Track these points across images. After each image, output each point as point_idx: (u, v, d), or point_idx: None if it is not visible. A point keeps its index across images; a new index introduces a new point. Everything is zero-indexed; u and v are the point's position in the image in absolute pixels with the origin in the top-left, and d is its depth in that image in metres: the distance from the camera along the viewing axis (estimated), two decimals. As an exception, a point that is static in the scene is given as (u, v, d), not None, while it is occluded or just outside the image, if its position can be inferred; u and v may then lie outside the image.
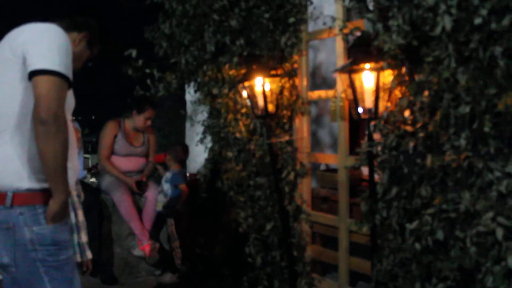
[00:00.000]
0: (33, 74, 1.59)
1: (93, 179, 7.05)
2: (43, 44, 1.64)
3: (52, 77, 1.59)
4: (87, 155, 6.07)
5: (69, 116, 1.77)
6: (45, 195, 1.66)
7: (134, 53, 3.82)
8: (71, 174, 1.75)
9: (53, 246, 1.68)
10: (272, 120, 3.45)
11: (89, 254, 2.53)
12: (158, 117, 9.89)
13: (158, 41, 3.93)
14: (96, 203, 3.85)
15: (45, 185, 1.66)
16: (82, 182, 3.90)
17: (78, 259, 2.46)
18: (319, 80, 3.97)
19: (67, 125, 1.63)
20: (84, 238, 2.51)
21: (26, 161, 1.64)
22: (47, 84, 1.58)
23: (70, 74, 1.67)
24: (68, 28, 1.88)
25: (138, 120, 4.09)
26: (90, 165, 6.66)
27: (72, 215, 2.45)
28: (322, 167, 4.09)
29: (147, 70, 3.97)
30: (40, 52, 1.62)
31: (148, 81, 4.05)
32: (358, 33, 2.60)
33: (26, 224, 1.64)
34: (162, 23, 3.86)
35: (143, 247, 3.88)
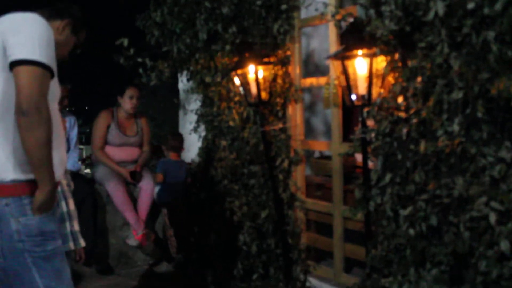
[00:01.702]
0: (14, 65, 1.58)
1: (87, 170, 7.02)
2: (23, 33, 1.62)
3: (33, 67, 1.58)
4: (81, 146, 6.06)
5: (54, 105, 1.75)
6: (31, 186, 1.66)
7: (125, 41, 3.80)
8: (58, 164, 1.74)
9: (40, 237, 1.67)
10: (266, 108, 3.44)
11: (82, 242, 2.52)
12: (151, 107, 9.86)
13: (150, 30, 3.90)
14: (90, 193, 3.83)
15: (30, 176, 1.65)
16: (75, 173, 3.91)
17: (72, 247, 2.45)
18: (312, 67, 3.95)
19: (51, 115, 1.61)
20: (76, 226, 2.51)
21: (11, 152, 1.63)
22: (28, 74, 1.57)
23: (52, 63, 1.65)
24: (50, 16, 1.87)
25: (124, 102, 4.04)
26: (84, 156, 6.62)
27: (63, 204, 2.44)
28: (316, 155, 4.09)
29: (139, 59, 3.95)
30: (20, 42, 1.60)
31: (140, 70, 4.03)
32: (351, 19, 2.58)
33: (12, 215, 1.64)
34: (153, 11, 3.82)
35: (138, 236, 3.88)
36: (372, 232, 2.68)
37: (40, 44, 1.61)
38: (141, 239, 3.87)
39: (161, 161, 4.17)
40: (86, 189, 3.80)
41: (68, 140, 4.02)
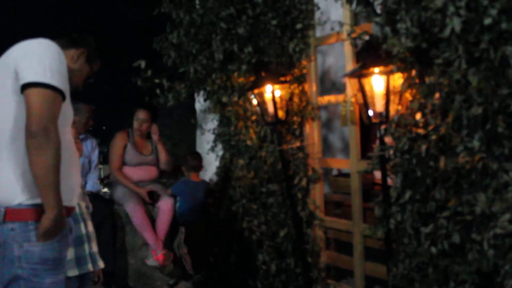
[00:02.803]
0: (25, 87, 1.58)
1: (105, 189, 7.08)
2: (35, 57, 1.63)
3: (44, 90, 1.58)
4: (99, 166, 6.15)
5: (67, 129, 1.75)
6: (38, 211, 1.61)
7: (143, 63, 3.85)
8: (69, 188, 1.71)
9: (41, 265, 1.62)
10: (283, 127, 3.45)
11: (100, 264, 2.53)
12: (168, 126, 9.95)
13: (166, 51, 3.95)
14: (109, 214, 3.85)
15: (38, 201, 1.61)
16: (95, 194, 3.95)
17: (91, 268, 2.46)
18: (328, 85, 3.96)
19: (60, 139, 1.59)
20: (94, 248, 2.51)
21: (20, 175, 1.61)
22: (38, 96, 1.57)
23: (63, 87, 1.65)
24: (65, 45, 1.89)
25: (134, 124, 4.10)
26: (102, 175, 6.68)
27: (81, 226, 2.46)
28: (335, 172, 4.07)
29: (156, 80, 3.99)
30: (31, 65, 1.61)
31: (158, 91, 4.07)
32: (366, 37, 2.59)
33: (16, 240, 1.60)
34: (170, 33, 3.87)
35: (157, 257, 3.88)
36: (393, 250, 2.65)
37: (51, 67, 1.62)
38: (160, 260, 3.87)
39: (181, 181, 4.20)
40: (105, 209, 3.82)
41: (89, 162, 4.07)
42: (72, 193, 1.77)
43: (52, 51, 1.67)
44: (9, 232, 1.60)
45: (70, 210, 1.80)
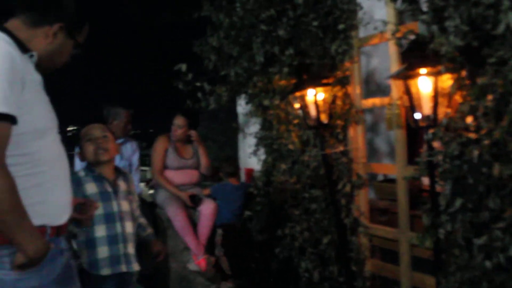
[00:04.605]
0: None
1: (151, 191, 7.18)
2: None
3: None
4: (145, 168, 6.20)
5: (45, 140, 1.55)
6: None
7: (183, 67, 3.84)
8: (55, 206, 1.58)
9: None
10: (326, 131, 3.35)
11: (135, 266, 2.51)
12: (213, 130, 10.01)
13: (207, 54, 3.92)
14: (151, 217, 3.87)
15: None
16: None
17: (124, 269, 2.44)
18: (373, 87, 3.82)
19: (7, 173, 1.38)
20: (130, 249, 2.49)
21: None
22: None
23: (12, 108, 1.38)
24: (35, 23, 1.57)
25: (172, 129, 4.09)
26: (147, 177, 6.79)
27: (117, 225, 2.45)
28: (380, 177, 3.93)
29: (197, 84, 3.98)
30: None
31: (199, 94, 4.06)
32: (412, 37, 2.46)
33: None
34: (210, 36, 3.85)
35: (199, 261, 3.86)
36: (443, 261, 2.50)
37: None
38: (201, 264, 3.85)
39: (220, 184, 4.19)
40: (147, 213, 3.83)
41: (129, 165, 4.11)
42: (59, 210, 1.62)
43: (2, 61, 1.39)
44: None
45: (60, 228, 1.62)
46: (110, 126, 4.00)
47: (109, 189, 2.48)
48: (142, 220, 2.74)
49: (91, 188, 2.43)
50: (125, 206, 2.53)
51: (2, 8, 1.68)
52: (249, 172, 4.58)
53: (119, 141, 4.06)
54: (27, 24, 1.56)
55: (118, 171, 2.59)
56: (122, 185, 2.55)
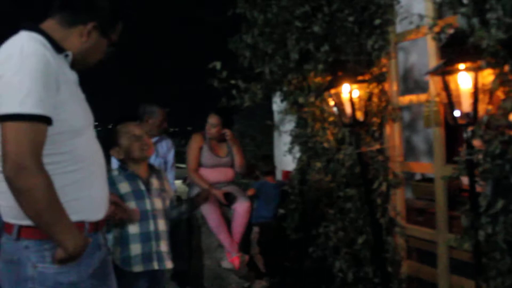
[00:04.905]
0: (2, 119, 1.40)
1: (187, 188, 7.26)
2: (12, 79, 1.40)
3: (20, 124, 1.38)
4: (183, 165, 6.27)
5: (81, 138, 1.58)
6: None
7: (218, 65, 3.84)
8: (92, 202, 1.61)
9: None
10: (361, 128, 3.27)
11: (168, 264, 2.51)
12: (250, 127, 10.02)
13: (242, 52, 3.91)
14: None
15: None
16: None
17: (155, 266, 2.45)
18: (411, 83, 3.72)
19: (43, 171, 1.41)
20: (163, 247, 2.50)
21: None
22: (13, 133, 1.38)
23: (48, 109, 1.42)
24: (70, 22, 1.60)
25: (206, 128, 4.09)
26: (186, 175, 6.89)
27: (150, 223, 2.46)
28: (418, 176, 3.82)
29: (232, 81, 3.97)
30: (7, 90, 1.40)
31: (234, 92, 4.05)
32: (451, 31, 2.36)
33: (30, 259, 1.49)
34: (245, 33, 3.83)
35: (232, 259, 3.86)
36: (483, 265, 2.40)
37: (30, 89, 1.40)
38: (235, 262, 3.85)
39: (259, 182, 4.19)
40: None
41: (165, 163, 4.15)
42: (96, 205, 1.65)
43: (36, 63, 1.42)
44: (23, 250, 1.50)
45: (97, 224, 1.67)
46: (146, 124, 4.05)
47: (142, 187, 2.49)
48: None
49: (124, 187, 2.45)
50: (158, 204, 2.54)
51: (40, 9, 1.73)
52: (286, 174, 4.56)
53: (154, 139, 4.10)
54: (62, 24, 1.59)
55: (151, 169, 2.61)
56: (155, 182, 2.56)
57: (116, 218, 2.24)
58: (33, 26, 1.56)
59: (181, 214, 2.71)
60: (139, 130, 2.54)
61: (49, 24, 1.60)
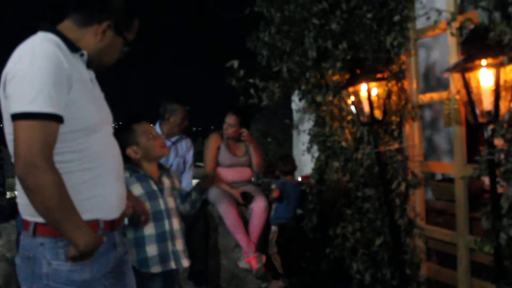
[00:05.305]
0: (13, 118, 1.41)
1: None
2: (24, 78, 1.42)
3: (31, 122, 1.39)
4: (201, 163, 6.27)
5: (97, 135, 1.59)
6: None
7: (236, 63, 3.81)
8: (106, 200, 1.61)
9: (68, 287, 1.51)
10: (380, 127, 3.22)
11: (184, 262, 2.49)
12: (272, 126, 9.99)
13: (259, 50, 3.87)
14: (202, 214, 3.88)
15: None
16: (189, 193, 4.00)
17: (173, 266, 2.44)
18: (432, 81, 3.63)
19: (55, 170, 1.41)
20: (179, 246, 2.48)
21: None
22: (25, 131, 1.39)
23: (59, 108, 1.44)
24: (84, 21, 1.60)
25: (224, 128, 4.07)
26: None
27: (166, 222, 2.45)
28: (438, 177, 3.73)
29: (250, 80, 3.94)
30: (19, 89, 1.42)
31: (252, 91, 4.02)
32: (471, 26, 2.29)
33: (45, 256, 1.51)
34: (262, 31, 3.79)
35: (249, 259, 3.82)
36: (505, 268, 2.32)
37: (42, 88, 1.41)
38: (252, 262, 3.81)
39: (280, 181, 4.14)
40: (198, 210, 3.84)
41: (183, 163, 4.14)
42: (111, 204, 1.64)
43: (47, 62, 1.43)
44: (38, 247, 1.52)
45: (113, 223, 1.66)
46: (167, 123, 4.04)
47: (155, 187, 2.47)
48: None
49: (137, 189, 2.43)
50: (171, 202, 2.52)
51: (58, 10, 1.73)
52: (305, 179, 4.49)
53: (174, 138, 4.09)
54: (77, 24, 1.60)
55: (161, 168, 2.59)
56: (166, 181, 2.54)
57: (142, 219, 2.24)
58: (49, 27, 1.58)
59: (194, 203, 2.66)
60: (155, 129, 2.54)
61: (66, 25, 1.62)
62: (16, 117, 1.40)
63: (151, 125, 2.58)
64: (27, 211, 1.54)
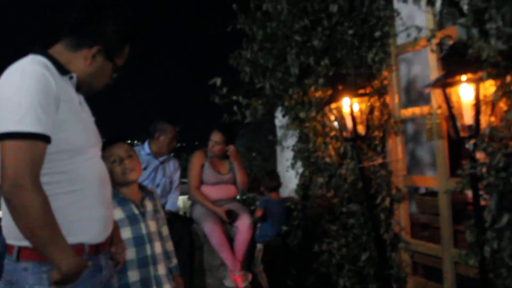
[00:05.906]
0: (0, 137, 1.39)
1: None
2: (11, 96, 1.41)
3: (17, 142, 1.38)
4: (185, 180, 6.18)
5: (84, 156, 1.57)
6: None
7: (218, 81, 3.81)
8: (94, 223, 1.59)
9: None
10: (363, 142, 3.23)
11: (166, 287, 2.45)
12: (258, 142, 9.98)
13: (242, 67, 3.88)
14: (187, 233, 3.84)
15: None
16: (174, 214, 3.96)
17: None
18: (413, 96, 3.67)
19: (41, 191, 1.40)
20: (161, 270, 2.42)
21: None
22: (10, 151, 1.38)
23: (47, 128, 1.43)
24: (75, 46, 1.61)
25: (209, 145, 4.03)
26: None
27: (147, 247, 2.40)
28: (422, 190, 3.75)
29: (233, 97, 3.94)
30: (6, 108, 1.41)
31: (235, 108, 4.02)
32: (450, 42, 2.33)
33: (27, 282, 1.47)
34: (245, 48, 3.81)
35: (235, 278, 3.78)
36: (490, 281, 2.33)
37: (29, 109, 1.40)
38: (237, 281, 3.77)
39: (263, 199, 4.12)
40: (183, 228, 3.81)
41: (170, 183, 4.10)
42: (97, 228, 1.61)
43: (35, 83, 1.43)
44: (22, 272, 1.49)
45: (98, 246, 1.63)
46: (156, 141, 3.99)
47: (136, 211, 2.41)
48: (169, 246, 2.63)
49: (117, 213, 2.35)
50: (153, 226, 2.46)
51: (51, 34, 1.74)
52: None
53: (162, 158, 4.04)
54: (68, 48, 1.61)
55: (143, 190, 2.53)
56: (149, 205, 2.48)
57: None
58: (39, 50, 1.59)
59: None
60: (123, 152, 2.38)
61: (57, 48, 1.63)
62: (3, 136, 1.39)
63: (128, 145, 2.47)
64: (11, 235, 1.51)
